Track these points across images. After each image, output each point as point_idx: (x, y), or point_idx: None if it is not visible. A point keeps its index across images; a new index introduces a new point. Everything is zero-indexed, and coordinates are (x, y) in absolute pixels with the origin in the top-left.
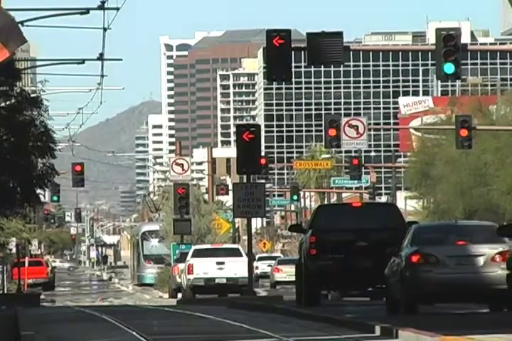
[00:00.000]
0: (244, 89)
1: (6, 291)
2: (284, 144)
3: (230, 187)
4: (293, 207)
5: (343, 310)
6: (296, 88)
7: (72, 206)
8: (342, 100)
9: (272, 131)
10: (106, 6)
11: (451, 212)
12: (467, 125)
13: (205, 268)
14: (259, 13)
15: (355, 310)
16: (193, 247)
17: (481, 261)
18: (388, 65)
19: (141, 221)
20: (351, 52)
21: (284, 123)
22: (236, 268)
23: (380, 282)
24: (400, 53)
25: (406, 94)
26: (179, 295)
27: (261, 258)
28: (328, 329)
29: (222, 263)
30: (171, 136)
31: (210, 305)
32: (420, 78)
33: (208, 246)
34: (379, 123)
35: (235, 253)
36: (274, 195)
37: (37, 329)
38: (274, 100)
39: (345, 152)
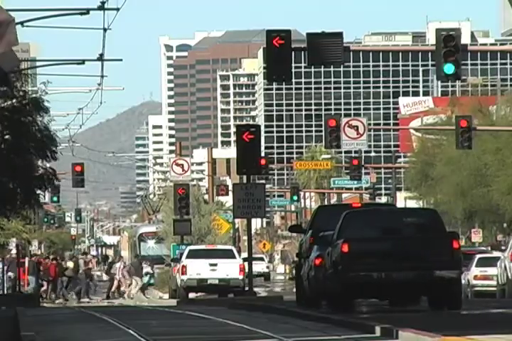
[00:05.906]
0: (244, 90)
1: (6, 292)
2: (284, 144)
3: (230, 187)
4: (293, 208)
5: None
6: (296, 88)
7: (72, 206)
8: (342, 100)
9: (272, 132)
10: (106, 6)
11: (451, 213)
12: (467, 125)
13: (198, 269)
14: (259, 13)
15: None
16: (188, 248)
17: None
18: (388, 66)
19: (141, 221)
20: (351, 53)
21: (284, 123)
22: (228, 269)
23: None
24: (400, 53)
25: (406, 94)
26: None
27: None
28: (328, 329)
29: (215, 264)
30: (171, 136)
31: (210, 306)
32: (420, 78)
33: (203, 246)
34: (379, 124)
35: (228, 254)
36: (274, 196)
37: (37, 330)
38: (274, 100)
39: (345, 152)
